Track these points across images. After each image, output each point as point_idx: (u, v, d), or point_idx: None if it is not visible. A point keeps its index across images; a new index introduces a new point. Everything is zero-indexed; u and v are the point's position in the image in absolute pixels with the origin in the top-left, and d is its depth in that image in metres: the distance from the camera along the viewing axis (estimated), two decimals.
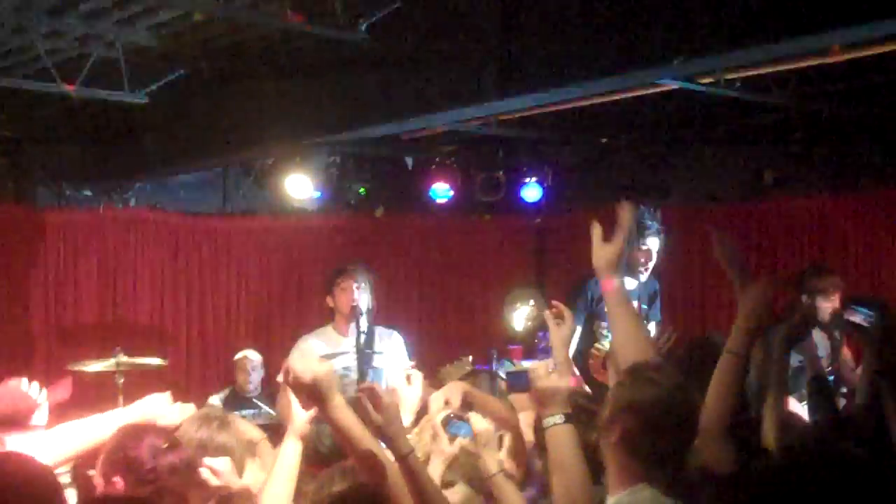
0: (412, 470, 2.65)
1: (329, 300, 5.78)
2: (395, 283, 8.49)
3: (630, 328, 3.11)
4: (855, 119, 6.54)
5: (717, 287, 7.65)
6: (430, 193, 7.84)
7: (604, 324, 5.88)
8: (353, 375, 5.47)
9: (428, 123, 6.29)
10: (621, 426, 2.63)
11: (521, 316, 7.09)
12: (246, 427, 3.76)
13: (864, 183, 7.19)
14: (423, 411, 3.70)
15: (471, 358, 5.56)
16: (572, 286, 6.32)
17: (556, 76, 4.73)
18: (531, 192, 8.07)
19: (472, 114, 5.84)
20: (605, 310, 3.20)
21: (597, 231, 3.18)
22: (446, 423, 3.52)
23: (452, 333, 8.54)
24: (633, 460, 2.63)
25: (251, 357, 7.22)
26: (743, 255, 3.22)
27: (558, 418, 2.80)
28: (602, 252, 3.18)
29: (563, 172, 8.21)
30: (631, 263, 5.85)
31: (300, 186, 7.07)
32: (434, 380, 5.49)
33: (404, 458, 2.64)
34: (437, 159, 7.78)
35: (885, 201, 7.11)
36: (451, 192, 7.82)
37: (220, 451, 3.24)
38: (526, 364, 3.04)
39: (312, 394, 2.62)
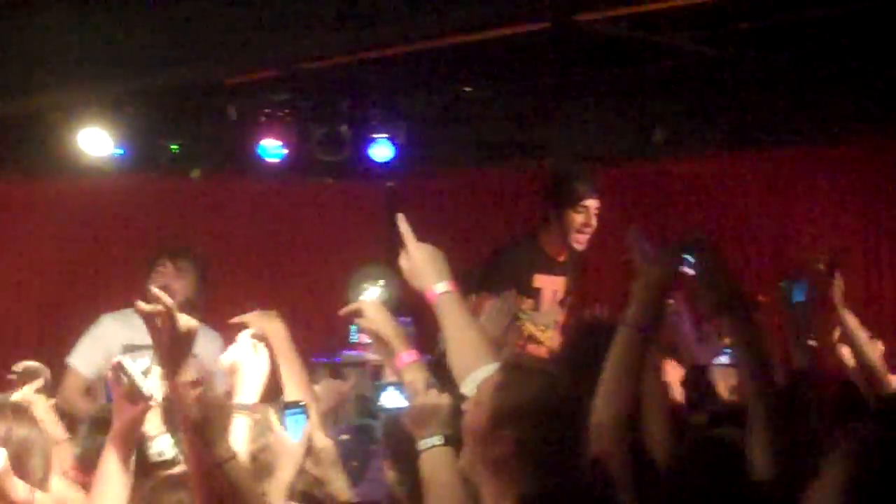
0: (231, 482, 2.63)
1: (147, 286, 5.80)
2: (216, 262, 8.34)
3: (466, 332, 3.13)
4: (758, 66, 6.65)
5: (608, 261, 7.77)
6: (259, 151, 7.73)
7: (527, 302, 5.88)
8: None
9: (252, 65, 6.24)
10: (512, 436, 2.61)
11: (369, 297, 7.08)
12: (49, 424, 3.69)
13: (767, 140, 7.36)
14: (273, 390, 3.80)
15: None
16: (495, 254, 6.26)
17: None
18: (381, 150, 8.00)
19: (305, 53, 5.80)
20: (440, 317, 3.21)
21: (404, 227, 3.29)
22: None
23: (286, 321, 8.42)
24: (529, 475, 2.61)
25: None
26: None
27: (436, 439, 2.83)
28: (407, 266, 3.25)
29: (418, 127, 8.16)
30: (566, 226, 5.84)
31: (97, 142, 7.03)
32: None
33: (220, 466, 2.62)
34: (267, 110, 7.66)
35: (791, 160, 7.33)
36: (285, 151, 7.73)
37: (22, 448, 3.11)
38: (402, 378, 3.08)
39: (174, 350, 2.67)
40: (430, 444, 2.84)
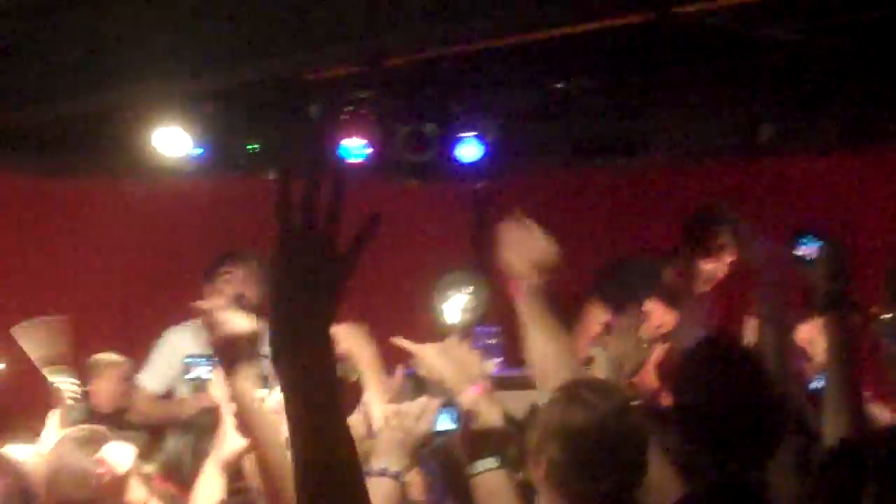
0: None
1: (207, 293, 5.90)
2: None
3: (550, 342, 3.20)
4: (874, 60, 6.54)
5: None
6: (341, 151, 7.73)
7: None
8: None
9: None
10: (547, 457, 2.73)
11: (455, 306, 7.04)
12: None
13: (881, 137, 7.25)
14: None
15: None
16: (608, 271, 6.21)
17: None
18: (469, 149, 7.98)
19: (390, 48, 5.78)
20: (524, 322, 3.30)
21: (517, 219, 3.46)
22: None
23: (369, 328, 8.44)
24: (563, 501, 2.73)
25: (108, 360, 7.07)
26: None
27: (491, 462, 2.90)
28: (525, 248, 3.44)
29: (509, 125, 8.12)
30: (693, 274, 5.77)
31: (174, 142, 7.16)
32: None
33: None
34: (350, 108, 7.66)
35: None
36: (368, 150, 7.73)
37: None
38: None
39: (225, 352, 2.78)
40: (486, 468, 2.91)
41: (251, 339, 2.80)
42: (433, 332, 6.55)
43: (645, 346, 5.80)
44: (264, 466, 2.81)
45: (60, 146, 7.88)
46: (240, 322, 2.78)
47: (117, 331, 8.06)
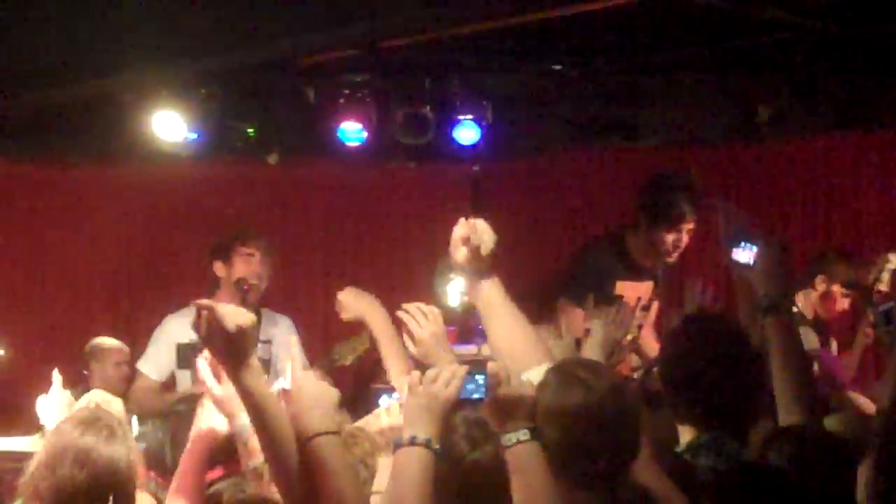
0: (318, 458, 2.73)
1: (218, 268, 5.83)
2: (294, 249, 8.45)
3: (515, 329, 3.22)
4: (869, 40, 6.54)
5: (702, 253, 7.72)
6: (339, 135, 7.73)
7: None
8: None
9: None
10: (546, 439, 2.76)
11: (455, 289, 7.07)
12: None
13: (880, 120, 7.26)
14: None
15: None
16: (576, 257, 6.31)
17: None
18: (466, 132, 7.98)
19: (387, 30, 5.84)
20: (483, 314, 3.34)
21: (466, 226, 3.33)
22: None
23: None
24: (560, 480, 2.75)
25: (108, 345, 7.11)
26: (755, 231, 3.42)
27: (522, 434, 2.81)
28: (461, 259, 3.33)
29: (506, 108, 8.14)
30: (656, 244, 5.83)
31: (170, 126, 7.06)
32: (326, 361, 5.62)
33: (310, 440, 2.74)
34: (347, 91, 7.66)
35: None
36: (365, 134, 7.72)
37: (107, 468, 3.20)
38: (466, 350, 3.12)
39: (230, 349, 2.69)
40: (516, 440, 2.80)
41: (253, 330, 2.75)
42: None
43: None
44: (277, 461, 2.79)
45: (54, 133, 7.86)
46: (243, 315, 2.73)
47: (115, 319, 8.01)
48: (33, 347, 7.80)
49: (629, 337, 5.80)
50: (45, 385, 4.31)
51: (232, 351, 2.71)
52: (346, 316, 3.96)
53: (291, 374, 2.87)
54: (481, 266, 3.30)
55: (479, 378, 2.92)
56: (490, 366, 2.95)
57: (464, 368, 2.95)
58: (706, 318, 3.65)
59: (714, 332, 3.34)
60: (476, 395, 2.93)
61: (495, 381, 2.88)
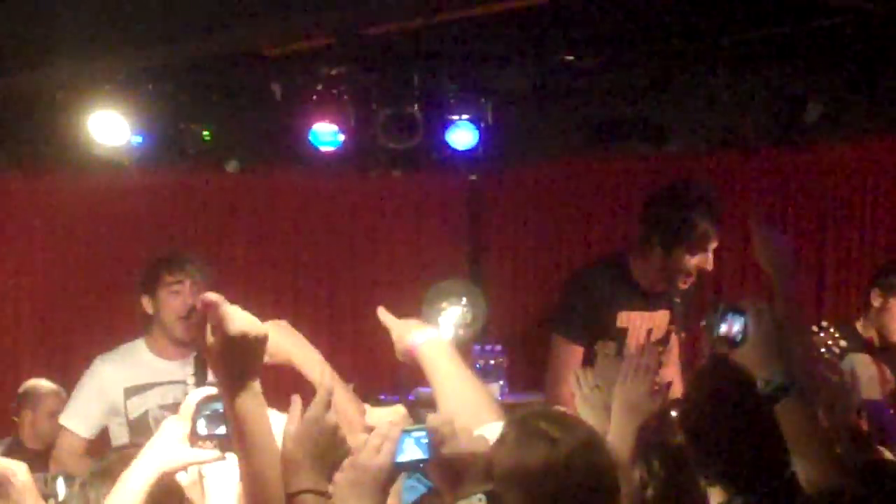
0: None
1: (146, 303, 5.85)
2: (258, 275, 8.44)
3: (464, 385, 3.30)
4: None
5: (739, 273, 7.70)
6: (310, 138, 7.77)
7: (608, 346, 5.83)
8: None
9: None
10: (503, 503, 2.77)
11: (448, 320, 7.07)
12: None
13: None
14: None
15: (351, 386, 5.70)
16: (569, 284, 6.29)
17: None
18: (462, 135, 8.01)
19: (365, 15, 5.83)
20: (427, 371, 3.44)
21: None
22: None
23: (345, 349, 8.54)
24: None
25: (43, 390, 7.11)
26: (793, 254, 3.51)
27: (477, 499, 2.83)
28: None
29: (507, 107, 8.16)
30: (673, 266, 5.79)
31: (111, 128, 7.13)
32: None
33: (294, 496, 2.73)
34: (320, 87, 7.68)
35: None
36: (342, 137, 7.75)
37: None
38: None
39: (228, 360, 2.67)
40: None
41: (261, 345, 2.71)
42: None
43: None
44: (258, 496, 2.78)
45: None
46: (253, 324, 2.69)
47: (45, 355, 8.04)
48: None
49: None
50: None
51: (230, 363, 2.68)
52: (269, 360, 3.86)
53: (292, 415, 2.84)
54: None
55: (419, 435, 2.89)
56: (430, 419, 2.95)
57: (397, 428, 2.90)
58: (724, 368, 3.63)
59: (745, 376, 3.33)
60: (417, 457, 2.89)
61: (438, 437, 2.87)
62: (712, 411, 3.32)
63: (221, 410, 2.86)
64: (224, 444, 2.91)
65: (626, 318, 5.90)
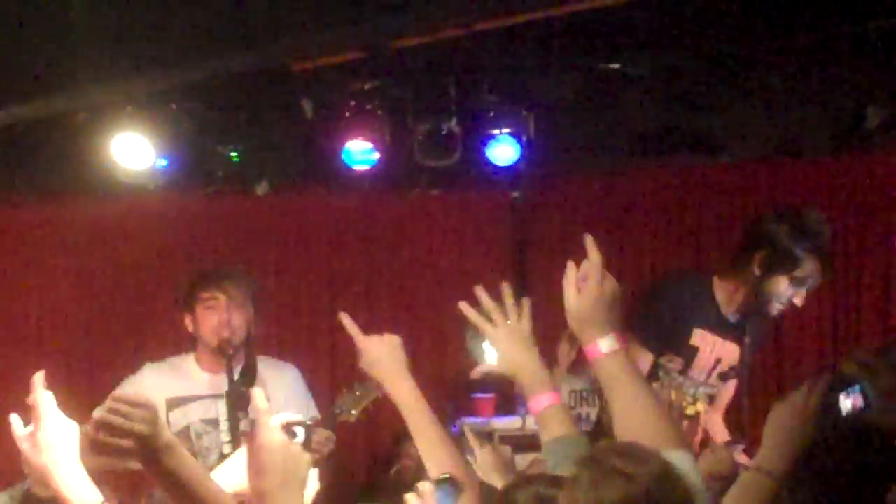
0: None
1: (188, 322, 5.99)
2: (291, 301, 8.49)
3: (638, 409, 3.28)
4: None
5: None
6: (343, 157, 7.76)
7: (675, 361, 5.81)
8: (221, 432, 5.91)
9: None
10: None
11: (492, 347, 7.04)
12: None
13: None
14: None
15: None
16: (651, 290, 6.30)
17: None
18: (503, 150, 7.98)
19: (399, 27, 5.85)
20: (601, 383, 3.41)
21: (571, 273, 3.41)
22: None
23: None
24: None
25: None
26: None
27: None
28: (575, 304, 3.40)
29: (550, 119, 8.13)
30: (767, 293, 5.76)
31: (134, 151, 7.13)
32: (328, 414, 5.82)
33: None
34: (352, 103, 7.67)
35: None
36: (376, 155, 7.74)
37: None
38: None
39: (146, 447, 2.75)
40: None
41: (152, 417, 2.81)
42: (465, 376, 6.55)
43: (692, 392, 5.85)
44: None
45: None
46: (138, 408, 2.80)
47: (70, 387, 8.06)
48: None
49: (695, 409, 5.75)
50: None
51: (142, 451, 2.77)
52: (366, 368, 4.07)
53: (258, 432, 2.83)
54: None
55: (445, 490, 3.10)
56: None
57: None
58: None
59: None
60: None
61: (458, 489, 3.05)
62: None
63: None
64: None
65: (700, 338, 5.87)
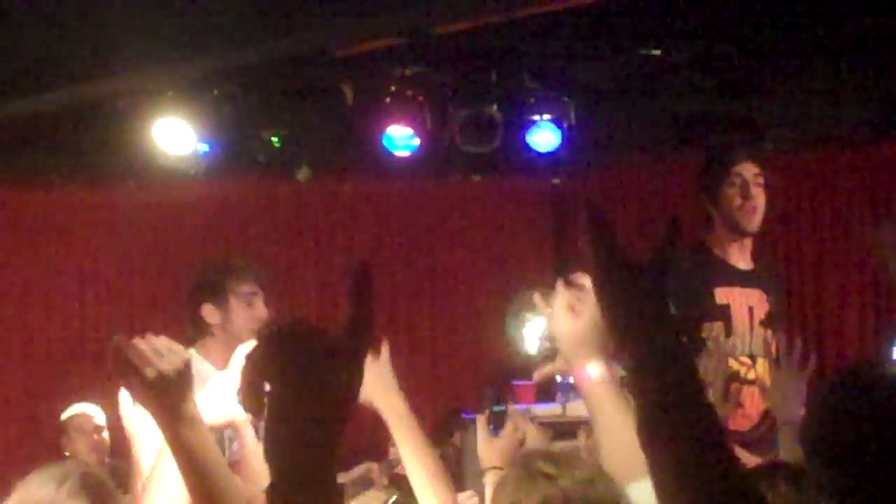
0: None
1: (210, 313, 5.74)
2: (331, 287, 8.45)
3: (624, 438, 3.10)
4: None
5: (843, 279, 7.66)
6: (384, 143, 7.79)
7: (716, 327, 5.79)
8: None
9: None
10: None
11: (533, 332, 7.08)
12: None
13: None
14: None
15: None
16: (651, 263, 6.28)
17: None
18: (544, 136, 7.99)
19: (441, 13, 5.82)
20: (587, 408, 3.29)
21: (563, 293, 3.22)
22: None
23: (423, 363, 8.54)
24: None
25: (91, 414, 7.17)
26: None
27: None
28: (568, 326, 3.23)
29: (592, 105, 8.13)
30: (724, 211, 5.79)
31: (176, 136, 7.16)
32: None
33: None
34: (393, 88, 7.71)
35: None
36: (417, 141, 7.78)
37: None
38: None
39: (154, 394, 2.65)
40: None
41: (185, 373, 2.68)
42: (506, 362, 6.60)
43: (747, 352, 5.82)
44: None
45: (34, 148, 7.96)
46: (171, 355, 2.68)
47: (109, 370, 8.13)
48: (10, 410, 7.93)
49: (755, 371, 5.72)
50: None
51: (157, 397, 2.66)
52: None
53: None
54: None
55: None
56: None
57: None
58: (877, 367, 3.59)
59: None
60: None
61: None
62: (852, 425, 3.31)
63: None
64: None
65: (724, 294, 5.85)
